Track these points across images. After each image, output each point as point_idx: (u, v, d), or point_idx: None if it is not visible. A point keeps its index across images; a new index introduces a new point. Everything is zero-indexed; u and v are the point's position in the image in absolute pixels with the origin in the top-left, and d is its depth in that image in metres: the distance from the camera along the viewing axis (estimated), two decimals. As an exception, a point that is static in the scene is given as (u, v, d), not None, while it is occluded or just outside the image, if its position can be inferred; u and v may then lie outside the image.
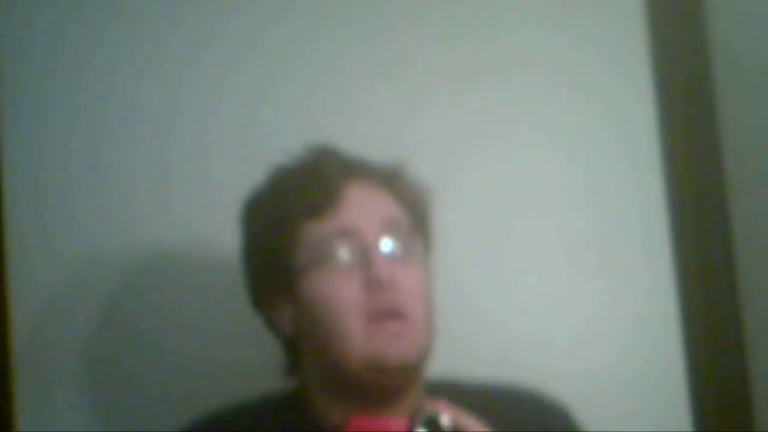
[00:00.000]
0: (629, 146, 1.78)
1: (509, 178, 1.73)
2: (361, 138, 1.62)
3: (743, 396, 1.73)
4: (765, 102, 1.70)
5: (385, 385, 1.28)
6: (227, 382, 1.53)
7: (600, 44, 1.78)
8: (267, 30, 1.68)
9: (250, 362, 1.52)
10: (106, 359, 1.60)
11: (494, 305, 1.68)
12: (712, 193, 1.77)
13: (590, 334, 1.71)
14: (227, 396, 1.41)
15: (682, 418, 1.74)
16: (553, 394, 1.41)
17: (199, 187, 1.64)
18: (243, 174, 1.42)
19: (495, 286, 1.69)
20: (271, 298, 1.34)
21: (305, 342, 1.33)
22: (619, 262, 1.74)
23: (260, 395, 1.39)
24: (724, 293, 1.76)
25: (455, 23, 1.73)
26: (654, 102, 1.80)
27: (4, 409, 1.55)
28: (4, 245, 1.58)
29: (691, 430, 1.74)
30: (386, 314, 1.26)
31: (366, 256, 1.27)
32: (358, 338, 1.25)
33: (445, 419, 1.19)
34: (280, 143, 1.60)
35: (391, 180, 1.35)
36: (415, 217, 1.35)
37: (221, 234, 1.53)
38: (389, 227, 1.30)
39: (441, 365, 1.33)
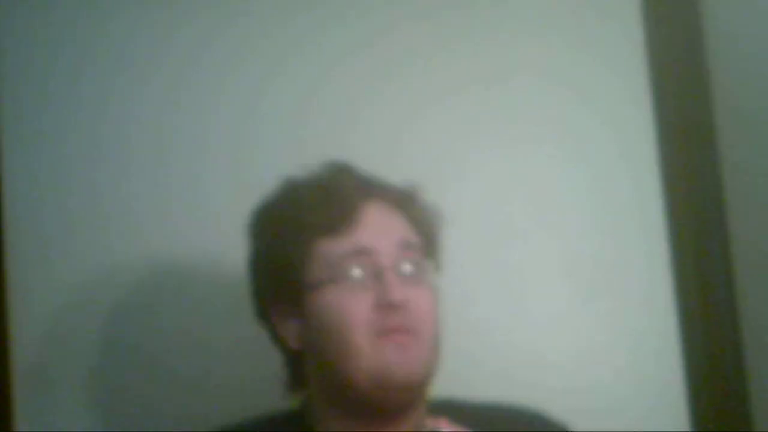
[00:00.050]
0: (627, 154, 1.79)
1: (507, 186, 1.73)
2: (360, 140, 1.65)
3: (743, 414, 1.73)
4: (763, 105, 1.70)
5: (390, 402, 1.28)
6: (230, 400, 1.54)
7: (598, 47, 1.79)
8: (266, 33, 1.69)
9: (253, 380, 1.52)
10: (108, 377, 1.60)
11: (493, 323, 1.68)
12: (711, 211, 1.78)
13: (590, 351, 1.72)
14: (231, 414, 1.41)
15: (682, 436, 1.75)
16: (554, 411, 1.42)
17: (200, 201, 1.63)
18: (245, 188, 1.43)
19: (494, 304, 1.69)
20: (278, 311, 1.34)
21: (311, 357, 1.33)
22: (618, 281, 1.75)
23: (263, 413, 1.39)
24: (724, 311, 1.76)
25: (454, 25, 1.73)
26: (651, 106, 1.80)
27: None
28: (4, 265, 1.57)
29: (691, 446, 1.75)
30: (395, 329, 1.27)
31: (380, 276, 1.28)
32: (366, 354, 1.26)
33: None
34: (281, 150, 1.64)
35: (406, 202, 1.36)
36: (427, 240, 1.36)
37: (223, 250, 1.55)
38: (404, 249, 1.31)
39: (439, 381, 1.33)
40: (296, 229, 1.31)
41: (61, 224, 1.61)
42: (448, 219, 1.39)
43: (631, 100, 1.80)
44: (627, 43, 1.81)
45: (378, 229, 1.31)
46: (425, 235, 1.36)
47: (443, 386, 1.33)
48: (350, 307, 1.27)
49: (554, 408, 1.41)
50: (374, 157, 1.40)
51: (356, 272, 1.29)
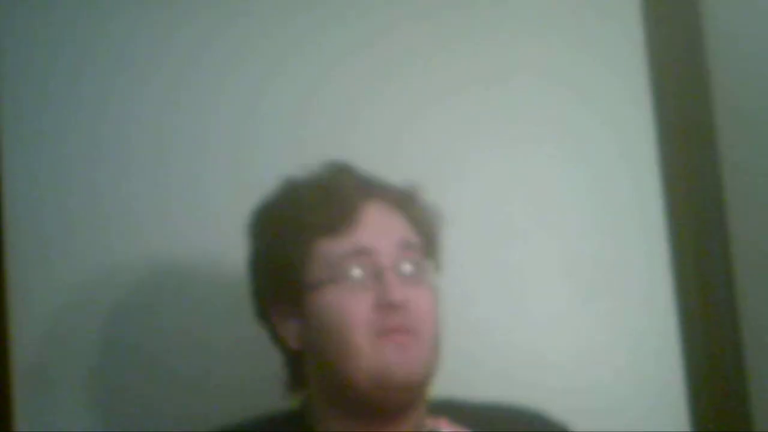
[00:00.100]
0: (627, 154, 1.79)
1: (507, 186, 1.73)
2: (360, 140, 1.65)
3: (743, 413, 1.73)
4: (763, 105, 1.70)
5: (390, 402, 1.28)
6: (230, 400, 1.54)
7: (598, 47, 1.79)
8: (266, 33, 1.68)
9: (253, 380, 1.52)
10: (108, 377, 1.60)
11: (493, 323, 1.68)
12: (711, 211, 1.78)
13: (590, 351, 1.71)
14: (231, 414, 1.41)
15: (682, 436, 1.75)
16: (554, 411, 1.42)
17: (200, 201, 1.63)
18: (245, 188, 1.43)
19: (494, 304, 1.69)
20: (278, 310, 1.34)
21: (311, 357, 1.33)
22: (618, 281, 1.75)
23: (263, 413, 1.39)
24: (723, 311, 1.76)
25: (454, 25, 1.73)
26: (651, 106, 1.80)
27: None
28: (4, 264, 1.57)
29: (691, 446, 1.75)
30: (395, 329, 1.27)
31: (380, 276, 1.28)
32: (366, 354, 1.26)
33: None
34: (281, 150, 1.64)
35: (406, 202, 1.36)
36: (427, 240, 1.36)
37: (223, 250, 1.55)
38: (404, 249, 1.31)
39: (439, 381, 1.33)
40: (296, 229, 1.31)
41: (61, 224, 1.61)
42: (448, 219, 1.39)
43: (631, 100, 1.80)
44: (627, 43, 1.81)
45: (378, 229, 1.31)
46: (425, 235, 1.36)
47: (443, 386, 1.33)
48: (350, 307, 1.27)
49: (554, 408, 1.42)
50: (374, 157, 1.40)
51: (356, 272, 1.29)
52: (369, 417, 1.29)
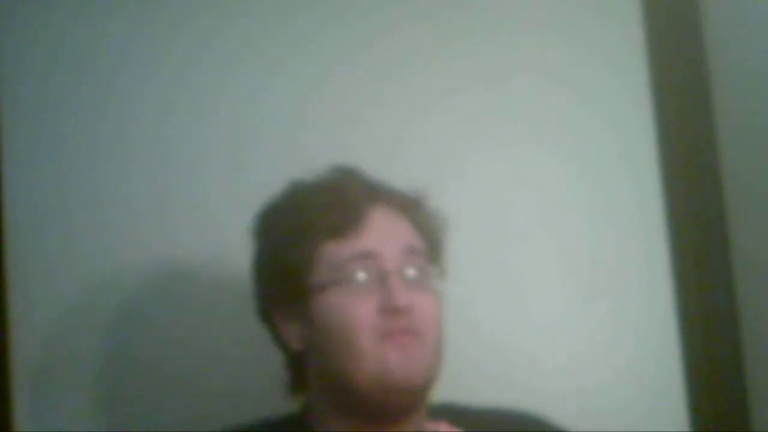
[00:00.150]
0: (627, 154, 1.79)
1: (507, 187, 1.73)
2: (361, 141, 1.65)
3: (742, 416, 1.73)
4: (763, 105, 1.70)
5: (392, 404, 1.28)
6: (232, 404, 1.53)
7: (598, 47, 1.79)
8: (266, 33, 1.68)
9: (255, 383, 1.52)
10: (108, 380, 1.59)
11: (493, 324, 1.68)
12: (711, 212, 1.78)
13: (590, 353, 1.72)
14: (232, 417, 1.42)
15: (682, 438, 1.75)
16: (553, 412, 1.42)
17: (200, 203, 1.63)
18: (245, 189, 1.45)
19: (494, 305, 1.69)
20: (281, 312, 1.34)
21: (314, 359, 1.33)
22: (618, 282, 1.75)
23: (263, 417, 1.40)
24: (723, 312, 1.76)
25: (454, 25, 1.73)
26: (651, 106, 1.80)
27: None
28: (5, 266, 1.57)
29: (691, 448, 1.75)
30: (399, 331, 1.27)
31: (385, 281, 1.29)
32: (369, 356, 1.26)
33: None
34: (282, 151, 1.64)
35: (411, 207, 1.36)
36: (431, 246, 1.36)
37: (223, 252, 1.56)
38: (409, 254, 1.32)
39: (439, 383, 1.33)
40: (302, 232, 1.31)
41: (61, 226, 1.60)
42: (448, 220, 1.40)
43: (631, 100, 1.80)
44: (627, 43, 1.81)
45: (383, 234, 1.32)
46: (430, 240, 1.37)
47: (443, 388, 1.33)
48: (355, 310, 1.28)
49: (554, 409, 1.42)
50: (374, 157, 1.41)
51: (361, 276, 1.29)
52: (370, 419, 1.29)
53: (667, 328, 1.76)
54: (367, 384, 1.26)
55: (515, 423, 1.40)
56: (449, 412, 1.33)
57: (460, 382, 1.40)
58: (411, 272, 1.31)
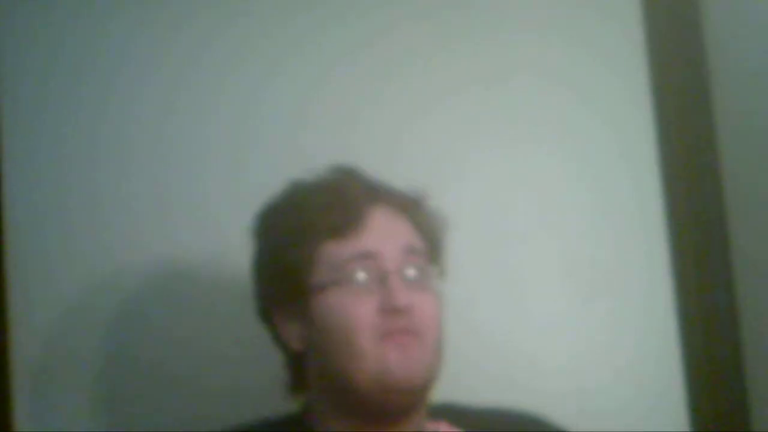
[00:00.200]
0: (627, 154, 1.79)
1: (507, 187, 1.73)
2: (361, 141, 1.65)
3: (742, 415, 1.74)
4: (763, 105, 1.70)
5: (392, 404, 1.28)
6: (232, 404, 1.53)
7: (598, 47, 1.79)
8: (266, 33, 1.68)
9: (255, 383, 1.52)
10: (108, 380, 1.59)
11: (493, 324, 1.68)
12: (711, 212, 1.78)
13: (590, 353, 1.72)
14: (232, 417, 1.42)
15: (682, 438, 1.75)
16: (553, 412, 1.42)
17: (201, 203, 1.63)
18: (245, 189, 1.45)
19: (494, 305, 1.69)
20: (281, 312, 1.34)
21: (313, 359, 1.33)
22: (618, 282, 1.75)
23: (263, 417, 1.40)
24: (723, 312, 1.76)
25: (454, 25, 1.73)
26: (651, 106, 1.80)
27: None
28: (5, 266, 1.57)
29: (691, 448, 1.75)
30: (399, 331, 1.28)
31: (385, 281, 1.29)
32: (370, 356, 1.26)
33: None
34: (282, 151, 1.64)
35: (412, 207, 1.36)
36: (432, 246, 1.36)
37: (223, 251, 1.56)
38: (409, 254, 1.32)
39: (439, 383, 1.33)
40: (302, 231, 1.32)
41: (61, 226, 1.61)
42: (448, 220, 1.40)
43: (631, 100, 1.80)
44: (627, 43, 1.81)
45: (383, 234, 1.32)
46: (430, 240, 1.37)
47: (443, 388, 1.33)
48: (355, 310, 1.28)
49: (554, 409, 1.42)
50: (374, 157, 1.41)
51: (361, 276, 1.29)
52: (370, 419, 1.29)
53: (667, 328, 1.76)
54: (367, 384, 1.26)
55: (515, 423, 1.40)
56: (449, 412, 1.33)
57: (460, 383, 1.40)
58: (411, 272, 1.31)
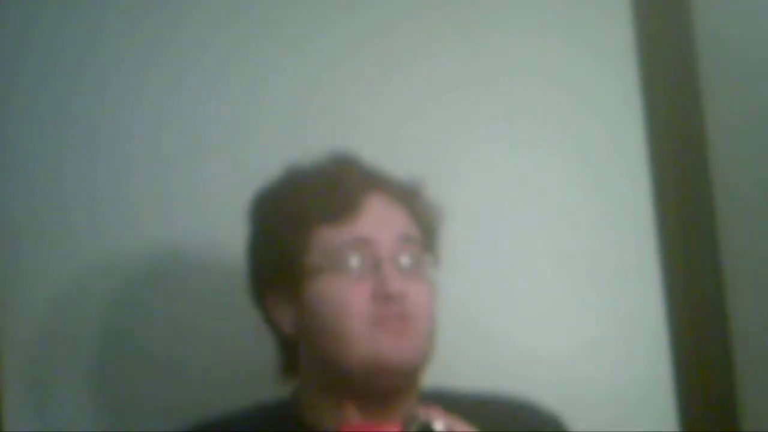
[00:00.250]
0: (620, 151, 1.79)
1: (501, 183, 1.74)
2: (360, 139, 1.63)
3: (730, 408, 1.75)
4: (753, 103, 1.72)
5: (382, 386, 1.29)
6: (226, 390, 1.54)
7: (590, 45, 1.79)
8: (265, 30, 1.69)
9: (249, 370, 1.53)
10: (103, 369, 1.60)
11: (485, 317, 1.68)
12: (701, 207, 1.78)
13: (580, 346, 1.72)
14: (227, 404, 1.42)
15: (670, 429, 1.75)
16: (546, 405, 1.43)
17: (199, 193, 1.64)
18: (242, 176, 1.44)
19: (485, 298, 1.70)
20: (275, 296, 1.35)
21: (305, 343, 1.34)
22: (610, 277, 1.75)
23: (253, 403, 1.40)
24: (713, 307, 1.77)
25: (454, 25, 1.74)
26: (642, 104, 1.81)
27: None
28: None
29: (680, 440, 1.77)
30: (392, 317, 1.28)
31: (378, 267, 1.30)
32: (362, 340, 1.27)
33: (439, 425, 1.18)
34: (281, 149, 1.61)
35: (408, 196, 1.37)
36: (427, 235, 1.37)
37: (221, 239, 1.56)
38: (403, 242, 1.33)
39: (431, 375, 1.34)
40: (297, 216, 1.32)
41: (56, 213, 1.61)
42: (444, 210, 1.41)
43: (622, 97, 1.80)
44: (618, 41, 1.81)
45: (379, 221, 1.33)
46: (425, 229, 1.37)
47: (435, 380, 1.35)
48: (348, 296, 1.29)
49: (546, 402, 1.43)
50: (374, 156, 1.40)
51: (354, 261, 1.30)
52: (361, 402, 1.29)
53: (657, 322, 1.77)
54: (357, 366, 1.27)
55: (508, 408, 1.40)
56: (440, 398, 1.31)
57: (452, 373, 1.41)
58: (405, 260, 1.32)
